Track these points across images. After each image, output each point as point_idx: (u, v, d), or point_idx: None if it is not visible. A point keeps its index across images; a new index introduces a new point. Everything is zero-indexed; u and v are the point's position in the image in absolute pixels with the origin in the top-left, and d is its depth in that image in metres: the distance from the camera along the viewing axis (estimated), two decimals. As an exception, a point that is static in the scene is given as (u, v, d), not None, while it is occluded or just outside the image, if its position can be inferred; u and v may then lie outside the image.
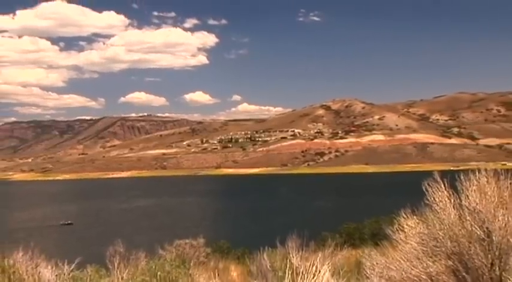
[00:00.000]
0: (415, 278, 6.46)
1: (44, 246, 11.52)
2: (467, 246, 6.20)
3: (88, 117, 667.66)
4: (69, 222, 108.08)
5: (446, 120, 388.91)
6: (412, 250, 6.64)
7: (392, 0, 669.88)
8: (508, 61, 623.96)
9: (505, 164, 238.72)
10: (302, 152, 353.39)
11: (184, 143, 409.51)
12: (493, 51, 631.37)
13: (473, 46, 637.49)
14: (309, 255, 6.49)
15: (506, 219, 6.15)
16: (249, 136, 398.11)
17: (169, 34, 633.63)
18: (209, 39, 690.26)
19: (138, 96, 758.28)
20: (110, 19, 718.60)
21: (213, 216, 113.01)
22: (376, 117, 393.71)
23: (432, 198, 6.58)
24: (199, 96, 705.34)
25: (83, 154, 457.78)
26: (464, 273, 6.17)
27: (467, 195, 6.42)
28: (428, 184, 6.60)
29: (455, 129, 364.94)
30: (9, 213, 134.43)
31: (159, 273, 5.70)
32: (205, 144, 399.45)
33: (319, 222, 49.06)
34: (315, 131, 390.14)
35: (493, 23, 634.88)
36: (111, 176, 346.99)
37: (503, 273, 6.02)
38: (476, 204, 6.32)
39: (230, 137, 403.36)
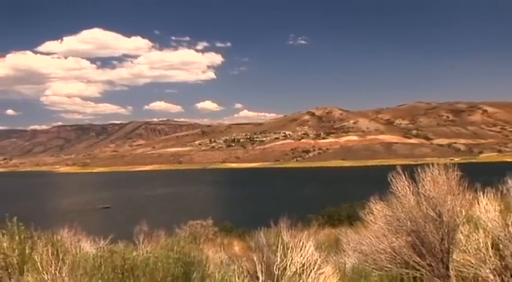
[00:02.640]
0: (382, 251, 6.47)
1: (86, 225, 11.49)
2: (423, 225, 6.23)
3: (118, 122, 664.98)
4: (107, 206, 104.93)
5: (407, 124, 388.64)
6: (380, 229, 6.66)
7: (362, 27, 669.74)
8: (455, 77, 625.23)
9: (452, 159, 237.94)
10: (291, 149, 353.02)
11: (196, 142, 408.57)
12: (443, 69, 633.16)
13: (427, 65, 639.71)
14: (297, 233, 6.48)
15: (453, 203, 6.20)
16: (248, 137, 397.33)
17: (184, 54, 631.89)
18: (216, 58, 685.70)
19: (159, 105, 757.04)
20: (137, 43, 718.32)
21: (219, 201, 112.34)
22: (351, 121, 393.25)
23: (396, 187, 6.60)
24: (208, 105, 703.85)
25: (114, 151, 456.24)
26: (420, 247, 6.20)
27: (423, 185, 6.45)
28: (392, 176, 6.62)
29: (414, 131, 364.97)
30: (57, 199, 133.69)
31: (175, 247, 5.67)
32: (213, 144, 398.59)
33: (305, 207, 48.91)
34: (302, 132, 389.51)
35: (439, 47, 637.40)
36: (137, 169, 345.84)
37: (450, 246, 6.06)
38: (430, 191, 6.35)
39: (233, 137, 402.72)
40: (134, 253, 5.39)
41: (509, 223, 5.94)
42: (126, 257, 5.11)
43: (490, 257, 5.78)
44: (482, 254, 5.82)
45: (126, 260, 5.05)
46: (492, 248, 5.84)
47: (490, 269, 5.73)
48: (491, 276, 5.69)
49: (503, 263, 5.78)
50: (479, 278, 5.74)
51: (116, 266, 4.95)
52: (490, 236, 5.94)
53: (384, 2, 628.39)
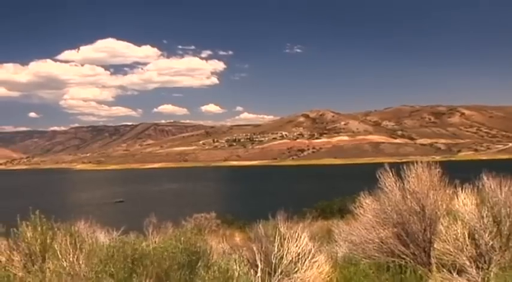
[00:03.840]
0: (370, 241, 6.50)
1: (102, 217, 11.52)
2: (408, 217, 6.27)
3: (130, 123, 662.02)
4: (120, 200, 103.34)
5: (393, 125, 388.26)
6: (368, 221, 6.69)
7: (352, 37, 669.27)
8: (436, 83, 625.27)
9: (434, 158, 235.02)
10: (288, 149, 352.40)
11: (201, 142, 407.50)
12: (425, 75, 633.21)
13: (411, 72, 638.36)
14: (292, 225, 6.51)
15: (435, 197, 6.23)
16: (248, 137, 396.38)
17: (190, 62, 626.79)
18: (219, 65, 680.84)
19: (167, 108, 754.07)
20: (147, 51, 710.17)
21: (221, 196, 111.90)
22: (343, 123, 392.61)
23: (383, 183, 6.64)
24: (211, 108, 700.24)
25: (126, 150, 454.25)
26: (405, 237, 6.23)
27: (408, 181, 6.48)
28: (380, 172, 6.65)
29: (400, 132, 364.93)
30: (75, 194, 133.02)
31: (182, 238, 5.70)
32: (216, 143, 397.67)
33: (300, 201, 48.80)
34: (297, 133, 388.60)
35: (422, 55, 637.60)
36: (146, 166, 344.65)
37: (432, 236, 6.10)
38: (415, 187, 6.38)
39: (234, 137, 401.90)
40: (143, 243, 5.42)
41: (484, 215, 5.99)
42: (136, 247, 5.15)
43: (467, 245, 5.83)
44: (460, 243, 5.86)
45: (136, 250, 5.09)
46: (469, 238, 5.89)
47: (466, 256, 5.78)
48: (468, 263, 5.74)
49: (478, 251, 5.83)
50: (457, 265, 5.78)
51: (127, 256, 4.99)
52: (467, 227, 5.99)
53: (371, 13, 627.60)
